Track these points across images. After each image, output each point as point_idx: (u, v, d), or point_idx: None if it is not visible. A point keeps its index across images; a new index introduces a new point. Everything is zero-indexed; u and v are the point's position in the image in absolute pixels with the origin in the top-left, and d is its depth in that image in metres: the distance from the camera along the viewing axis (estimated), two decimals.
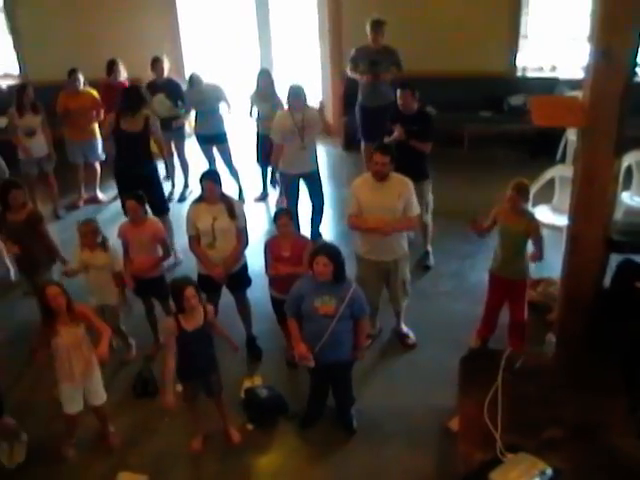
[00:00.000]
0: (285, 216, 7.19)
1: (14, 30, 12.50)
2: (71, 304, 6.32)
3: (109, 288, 7.60)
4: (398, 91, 8.46)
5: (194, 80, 10.18)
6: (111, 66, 10.53)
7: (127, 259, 7.64)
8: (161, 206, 9.10)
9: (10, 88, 12.31)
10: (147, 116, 8.96)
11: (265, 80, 9.97)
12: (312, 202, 9.43)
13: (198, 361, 6.42)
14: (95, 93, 10.65)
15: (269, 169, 10.47)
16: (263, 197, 10.76)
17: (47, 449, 7.05)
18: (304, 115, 8.83)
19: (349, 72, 10.20)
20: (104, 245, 7.52)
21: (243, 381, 7.39)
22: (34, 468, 6.93)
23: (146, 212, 7.70)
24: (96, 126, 10.78)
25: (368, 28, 9.92)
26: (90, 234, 7.41)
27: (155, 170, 9.25)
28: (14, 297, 8.97)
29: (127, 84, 10.54)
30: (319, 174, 9.37)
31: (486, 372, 5.99)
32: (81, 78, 10.49)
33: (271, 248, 7.24)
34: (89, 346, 6.48)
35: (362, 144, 10.42)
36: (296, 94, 8.88)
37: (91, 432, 7.09)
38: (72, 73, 10.46)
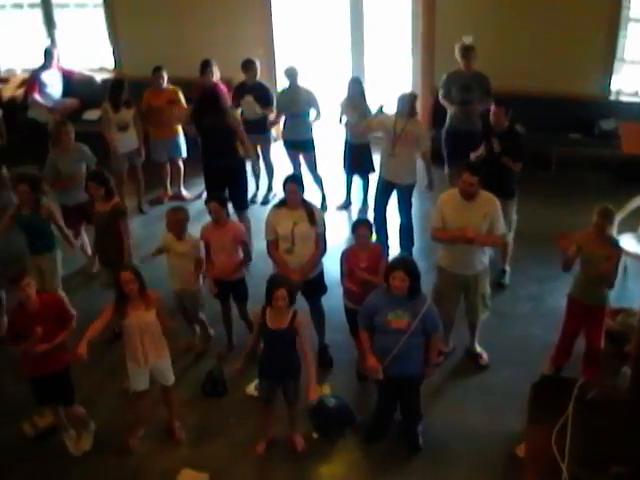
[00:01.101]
0: (364, 226, 7.21)
1: (112, 24, 12.73)
2: (144, 290, 6.55)
3: (189, 275, 7.77)
4: (492, 107, 8.41)
5: (289, 73, 10.21)
6: (205, 66, 10.64)
7: (209, 261, 7.76)
8: (242, 202, 9.22)
9: (104, 82, 12.57)
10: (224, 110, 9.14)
11: (355, 88, 9.99)
12: (399, 215, 9.40)
13: (276, 362, 6.53)
14: (178, 91, 10.79)
15: (354, 177, 10.48)
16: (346, 206, 10.77)
17: (113, 440, 7.25)
18: (406, 125, 8.81)
19: (440, 98, 10.13)
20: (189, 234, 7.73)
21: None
22: (99, 457, 7.14)
23: (228, 214, 7.80)
24: (179, 123, 10.92)
25: (458, 54, 9.85)
26: (178, 222, 7.62)
27: (242, 164, 9.38)
28: (94, 288, 9.14)
29: (220, 84, 10.64)
30: (409, 191, 9.26)
31: (557, 400, 5.89)
32: (165, 76, 10.63)
33: (348, 258, 7.27)
34: (159, 330, 6.70)
35: (445, 168, 10.35)
36: (401, 102, 8.87)
37: (158, 427, 7.26)
38: (156, 70, 10.63)
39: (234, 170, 9.21)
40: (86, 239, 9.42)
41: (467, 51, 9.78)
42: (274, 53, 12.16)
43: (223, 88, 10.60)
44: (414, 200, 9.46)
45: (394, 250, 9.30)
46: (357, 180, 10.59)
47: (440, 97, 10.13)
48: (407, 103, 8.88)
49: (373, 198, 9.58)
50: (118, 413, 7.44)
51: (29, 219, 8.13)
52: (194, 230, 7.94)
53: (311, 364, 6.50)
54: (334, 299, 7.82)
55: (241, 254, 7.79)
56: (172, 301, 7.97)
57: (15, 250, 8.41)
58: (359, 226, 7.24)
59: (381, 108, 9.14)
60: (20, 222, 8.19)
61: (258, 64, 10.52)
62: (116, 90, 10.40)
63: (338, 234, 9.64)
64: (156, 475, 6.85)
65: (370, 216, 9.57)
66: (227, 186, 8.49)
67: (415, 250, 9.36)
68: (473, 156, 8.35)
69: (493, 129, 8.45)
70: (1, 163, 10.69)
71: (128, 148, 10.62)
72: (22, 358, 6.74)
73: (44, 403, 7.10)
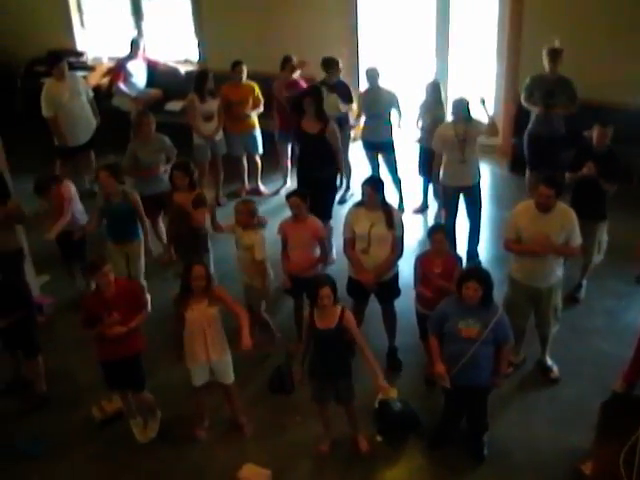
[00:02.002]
0: (441, 232, 7.22)
1: (198, 17, 12.88)
2: (210, 287, 6.68)
3: (254, 270, 7.83)
4: (596, 128, 8.20)
5: (370, 75, 10.22)
6: (286, 62, 10.71)
7: (285, 256, 7.86)
8: (326, 213, 9.19)
9: (188, 74, 12.74)
10: (326, 119, 9.14)
11: (433, 92, 9.96)
12: (468, 220, 9.36)
13: (327, 362, 6.57)
14: (256, 86, 10.87)
15: (430, 181, 10.45)
16: (422, 209, 10.76)
17: (179, 429, 7.40)
18: (466, 128, 8.79)
19: (523, 101, 10.05)
20: (257, 227, 7.80)
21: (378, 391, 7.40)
22: (164, 445, 7.32)
23: (308, 210, 7.84)
24: (256, 119, 11.01)
25: (545, 56, 9.74)
26: (246, 213, 7.70)
27: (334, 176, 9.38)
28: (167, 277, 9.32)
29: (300, 81, 10.69)
30: (479, 190, 9.30)
31: (628, 419, 5.83)
32: (245, 70, 10.72)
33: (422, 263, 7.28)
34: (220, 327, 6.82)
35: (527, 172, 10.27)
36: (456, 106, 8.85)
37: (225, 419, 7.39)
38: (236, 65, 10.72)
39: (326, 181, 9.25)
40: (163, 228, 9.55)
41: (555, 54, 9.68)
42: (358, 52, 12.13)
43: (304, 85, 10.65)
44: (489, 207, 9.41)
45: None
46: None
47: (522, 100, 10.05)
48: (463, 108, 8.88)
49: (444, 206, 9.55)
50: (185, 402, 7.55)
51: (118, 207, 8.34)
52: (274, 223, 8.03)
53: (371, 356, 6.49)
54: (406, 303, 7.83)
55: (318, 252, 7.83)
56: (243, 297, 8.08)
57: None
58: (435, 231, 7.25)
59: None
60: (108, 210, 8.41)
61: (340, 63, 10.53)
62: (202, 80, 10.58)
63: (413, 237, 9.63)
64: (219, 467, 6.98)
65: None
66: (315, 195, 8.51)
67: (488, 259, 9.33)
68: (569, 177, 8.19)
69: (593, 149, 8.30)
70: (94, 144, 10.99)
71: (216, 137, 10.79)
72: (95, 343, 6.89)
73: (114, 388, 7.29)
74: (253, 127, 11.05)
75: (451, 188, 9.22)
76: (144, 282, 8.59)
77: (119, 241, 8.55)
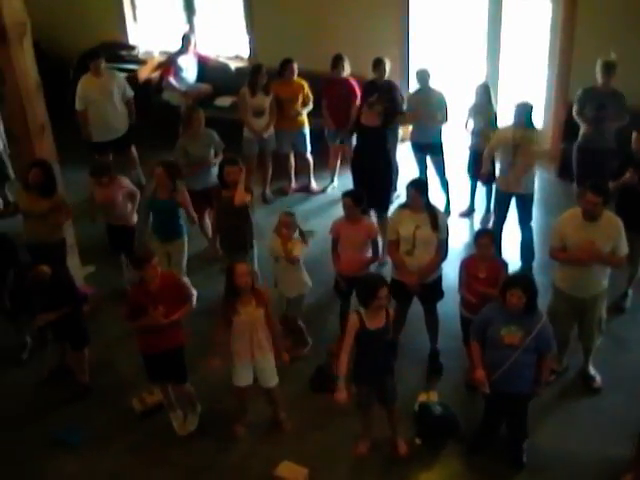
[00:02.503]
0: (487, 237, 7.20)
1: (249, 13, 12.92)
2: (256, 286, 6.70)
3: (292, 281, 7.86)
4: (634, 134, 8.18)
5: (420, 76, 10.20)
6: (336, 61, 10.72)
7: (335, 255, 7.90)
8: (383, 202, 9.22)
9: (238, 70, 12.80)
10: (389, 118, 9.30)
11: (483, 95, 9.91)
12: (520, 228, 9.31)
13: (375, 363, 6.59)
14: (306, 84, 10.89)
15: (478, 184, 10.41)
16: (469, 212, 10.71)
17: (219, 424, 7.47)
18: (524, 134, 8.75)
19: (575, 114, 9.93)
20: (297, 240, 7.78)
21: (419, 394, 7.44)
22: (203, 439, 7.40)
23: (363, 212, 7.87)
24: (305, 117, 11.04)
25: (599, 69, 9.62)
26: (286, 226, 7.71)
27: (389, 166, 9.48)
28: (212, 272, 9.40)
29: (350, 80, 10.70)
30: (531, 200, 9.19)
31: None
32: (295, 68, 10.74)
33: (467, 267, 7.28)
34: (265, 329, 6.85)
35: (574, 186, 10.15)
36: (519, 111, 8.80)
37: (265, 417, 7.44)
38: (286, 62, 10.75)
39: (380, 170, 9.32)
40: (209, 223, 9.61)
41: (609, 67, 9.56)
42: (408, 53, 12.09)
43: (354, 84, 10.66)
44: (536, 213, 9.34)
45: (513, 264, 9.16)
46: (481, 187, 10.48)
47: (574, 113, 9.94)
48: (524, 113, 8.80)
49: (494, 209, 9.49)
50: (225, 397, 7.62)
51: (164, 204, 8.42)
52: (316, 223, 8.04)
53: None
54: (449, 306, 7.83)
55: (369, 252, 7.84)
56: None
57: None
58: (482, 236, 7.24)
59: None
60: (154, 205, 8.50)
61: (389, 63, 10.52)
62: (255, 74, 10.61)
63: (459, 241, 9.60)
64: (257, 464, 7.05)
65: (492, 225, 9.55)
66: (371, 186, 8.52)
67: (535, 265, 9.26)
68: (612, 185, 8.09)
69: (635, 157, 8.21)
70: (130, 142, 11.07)
71: (265, 133, 10.85)
72: (138, 335, 6.97)
73: (155, 380, 7.39)
74: (302, 125, 11.07)
75: (502, 192, 9.18)
76: (187, 280, 8.62)
77: (162, 238, 8.63)
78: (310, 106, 10.94)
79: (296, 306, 8.01)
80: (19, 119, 8.76)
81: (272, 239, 7.87)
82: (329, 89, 10.83)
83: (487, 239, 7.18)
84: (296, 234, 7.75)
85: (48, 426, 7.59)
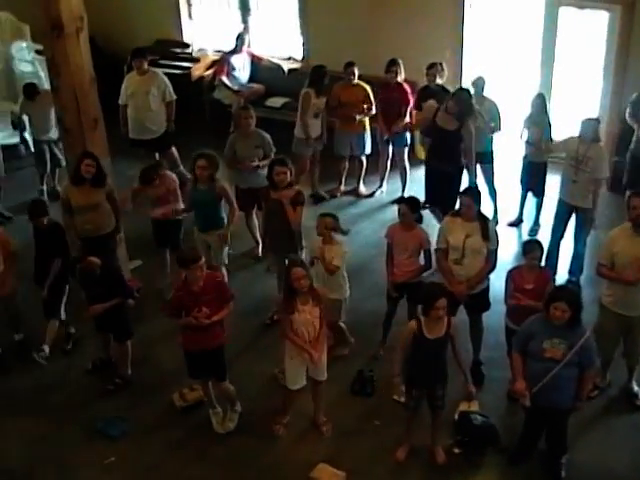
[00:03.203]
0: (536, 248, 7.14)
1: (304, 15, 12.95)
2: (311, 285, 6.74)
3: (330, 285, 7.83)
4: None
5: (476, 84, 10.15)
6: (390, 65, 10.72)
7: (389, 260, 7.92)
8: (450, 205, 9.00)
9: (291, 71, 12.86)
10: (465, 120, 9.26)
11: (538, 105, 9.85)
12: (574, 241, 9.25)
13: (429, 370, 6.62)
14: (368, 88, 10.89)
15: (529, 195, 10.33)
16: (517, 223, 10.65)
17: (258, 423, 7.50)
18: (588, 150, 8.68)
19: (627, 116, 9.84)
20: (337, 242, 7.84)
21: (459, 403, 7.39)
22: (242, 438, 7.43)
23: (420, 218, 7.87)
24: (366, 120, 11.05)
25: None
26: (324, 227, 7.75)
27: (459, 172, 9.50)
28: (257, 271, 9.45)
29: (405, 85, 10.68)
30: (587, 217, 9.05)
31: None
32: (356, 72, 10.77)
33: (514, 278, 7.26)
34: (320, 327, 6.88)
35: (627, 194, 10.03)
36: (585, 127, 8.75)
37: (305, 418, 7.46)
38: (349, 65, 10.80)
39: (450, 174, 9.35)
40: (256, 222, 9.64)
41: None
42: (462, 60, 12.05)
43: (407, 89, 10.65)
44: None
45: (560, 276, 9.11)
46: (531, 198, 10.41)
47: (627, 115, 9.85)
48: (591, 129, 8.74)
49: (552, 221, 9.41)
50: (265, 397, 7.66)
51: (203, 194, 8.50)
52: (362, 226, 8.03)
53: (464, 364, 6.73)
54: (495, 316, 7.79)
55: (422, 260, 7.86)
56: None
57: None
58: (531, 247, 7.20)
59: None
60: (195, 197, 8.60)
61: (443, 68, 10.48)
62: (320, 75, 10.69)
63: (506, 251, 9.51)
64: (294, 465, 7.07)
65: (540, 236, 9.53)
66: (442, 188, 8.48)
67: (582, 279, 9.20)
68: None
69: None
70: (169, 144, 11.13)
71: (315, 134, 10.88)
72: (181, 332, 7.02)
73: (196, 377, 7.44)
74: (363, 128, 11.11)
75: (563, 203, 9.13)
76: (224, 271, 8.65)
77: (203, 229, 8.72)
78: (373, 110, 10.95)
79: (334, 310, 7.99)
80: (72, 112, 8.87)
81: (313, 240, 7.95)
82: (382, 93, 10.86)
83: (536, 251, 7.14)
84: (338, 238, 7.78)
85: (89, 417, 7.70)
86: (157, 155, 11.13)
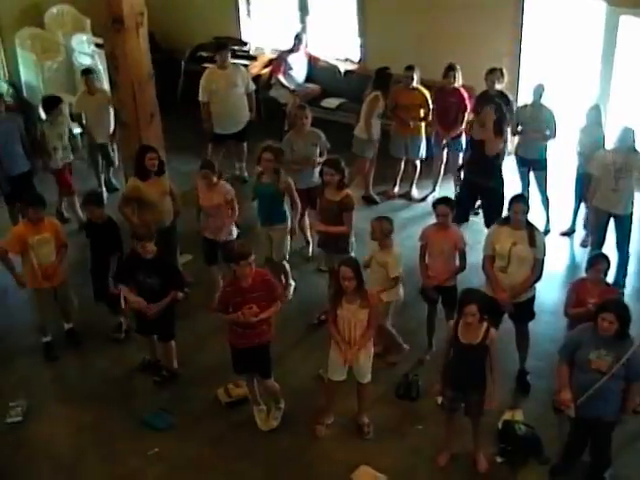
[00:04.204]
0: (603, 261, 7.16)
1: (362, 17, 12.98)
2: (361, 286, 6.78)
3: (385, 286, 7.86)
4: None
5: (536, 91, 10.10)
6: (449, 70, 10.72)
7: (423, 263, 7.96)
8: (492, 221, 8.92)
9: (347, 73, 12.92)
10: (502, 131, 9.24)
11: (593, 117, 9.80)
12: (616, 249, 9.17)
13: (463, 374, 6.64)
14: (427, 93, 10.92)
15: (582, 205, 10.28)
16: (569, 232, 10.59)
17: (301, 422, 7.58)
18: (626, 159, 8.68)
19: None
20: (391, 245, 7.85)
21: (504, 412, 7.41)
22: (285, 436, 7.51)
23: (454, 220, 7.89)
24: (422, 125, 11.08)
25: None
26: (379, 231, 7.76)
27: (501, 185, 9.38)
28: (307, 270, 9.62)
29: (462, 91, 10.69)
30: (630, 222, 9.12)
31: None
32: (416, 76, 10.79)
33: (577, 290, 7.24)
34: (364, 329, 6.91)
35: None
36: (622, 135, 8.72)
37: (348, 419, 7.52)
38: (408, 69, 10.80)
39: (490, 189, 9.27)
40: (308, 222, 9.71)
41: None
42: (520, 66, 11.98)
43: (464, 94, 10.66)
44: (637, 234, 9.20)
45: None
46: (584, 209, 10.35)
47: None
48: (629, 138, 8.72)
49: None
50: (309, 396, 7.74)
51: (267, 188, 8.62)
52: (417, 230, 8.07)
53: (496, 378, 6.63)
54: (542, 326, 7.78)
55: (457, 262, 7.87)
56: None
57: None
58: (598, 261, 7.19)
59: None
60: (259, 190, 8.75)
61: (503, 74, 10.45)
62: (386, 78, 10.78)
63: (558, 261, 9.50)
64: (335, 465, 7.14)
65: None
66: (482, 203, 8.41)
67: (630, 291, 9.16)
68: None
69: None
70: (247, 136, 11.25)
71: (377, 136, 10.96)
72: (228, 328, 7.09)
73: (242, 373, 7.53)
74: (419, 132, 11.12)
75: (601, 212, 9.09)
76: (287, 265, 8.70)
77: (265, 222, 8.84)
78: (430, 116, 10.96)
79: (384, 313, 8.04)
80: (129, 106, 9.06)
81: (370, 243, 7.96)
82: (439, 98, 10.86)
83: (603, 264, 7.13)
84: (389, 240, 7.79)
85: (135, 408, 7.87)
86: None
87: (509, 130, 10.45)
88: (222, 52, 11.14)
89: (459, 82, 10.78)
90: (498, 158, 9.34)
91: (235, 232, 8.93)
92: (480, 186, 9.35)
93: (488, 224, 8.92)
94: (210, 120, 11.27)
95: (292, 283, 9.07)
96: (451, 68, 10.69)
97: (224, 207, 8.79)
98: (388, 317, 8.09)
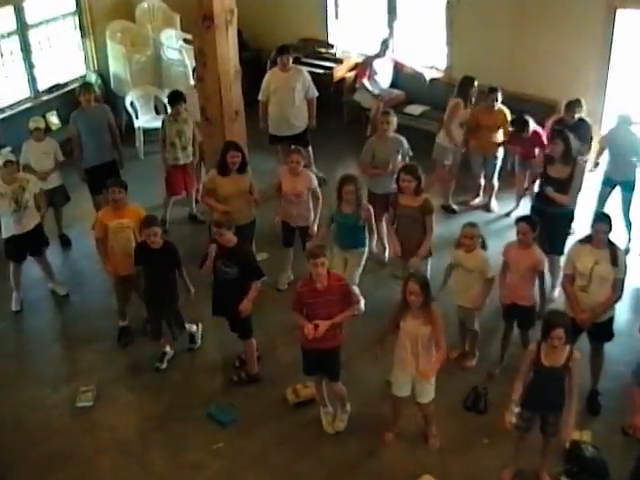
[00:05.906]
0: None
1: (451, 27, 12.91)
2: (427, 304, 6.78)
3: (471, 292, 7.94)
4: None
5: (621, 119, 9.98)
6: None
7: (503, 280, 7.94)
8: (555, 248, 8.93)
9: (432, 80, 12.94)
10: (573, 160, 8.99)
11: None
12: None
13: (543, 396, 6.58)
14: (507, 112, 10.82)
15: None
16: None
17: (368, 427, 7.62)
18: None
19: None
20: (482, 248, 7.92)
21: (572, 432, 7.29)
22: (350, 440, 7.57)
23: (535, 239, 7.81)
24: (498, 144, 10.98)
25: None
26: (468, 237, 7.79)
27: (568, 214, 9.16)
28: (381, 276, 9.69)
29: (538, 132, 10.54)
30: None
31: None
32: (499, 97, 10.66)
33: None
34: (428, 347, 6.92)
35: None
36: None
37: (416, 427, 7.55)
38: (492, 91, 10.66)
39: (560, 217, 9.00)
40: (384, 229, 9.73)
41: None
42: (605, 92, 11.77)
43: (541, 132, 10.53)
44: None
45: None
46: None
47: None
48: None
49: None
50: (377, 402, 7.82)
51: (348, 219, 8.60)
52: (496, 244, 8.06)
53: (573, 404, 6.54)
54: (616, 347, 7.70)
55: (536, 282, 7.83)
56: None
57: None
58: None
59: None
60: (339, 219, 8.68)
61: (583, 103, 10.30)
62: (467, 86, 10.75)
63: (634, 281, 9.36)
64: (398, 473, 7.18)
65: None
66: (547, 229, 8.33)
67: None
68: None
69: None
70: (306, 142, 11.31)
71: (457, 143, 10.94)
72: (300, 330, 7.15)
73: (310, 374, 7.60)
74: (496, 150, 10.99)
75: None
76: (357, 289, 8.74)
77: (343, 246, 8.83)
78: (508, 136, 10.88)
79: (470, 316, 8.13)
80: (215, 102, 9.19)
81: (454, 248, 8.04)
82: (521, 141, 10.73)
83: None
84: (478, 244, 7.84)
85: (203, 401, 8.02)
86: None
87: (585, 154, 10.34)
88: (283, 55, 11.18)
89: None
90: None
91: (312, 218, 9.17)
92: (549, 212, 8.89)
93: (554, 251, 8.90)
94: (266, 120, 11.36)
95: (362, 300, 9.04)
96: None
97: (306, 195, 9.04)
98: (476, 320, 8.16)
